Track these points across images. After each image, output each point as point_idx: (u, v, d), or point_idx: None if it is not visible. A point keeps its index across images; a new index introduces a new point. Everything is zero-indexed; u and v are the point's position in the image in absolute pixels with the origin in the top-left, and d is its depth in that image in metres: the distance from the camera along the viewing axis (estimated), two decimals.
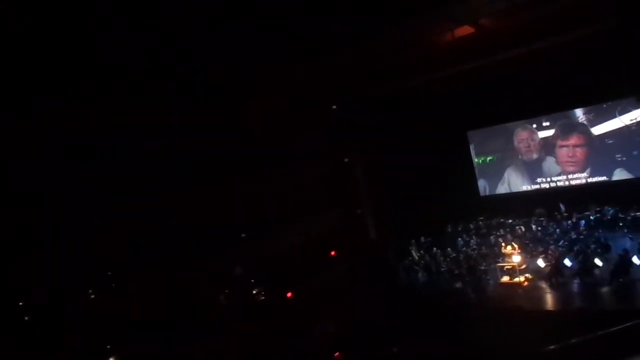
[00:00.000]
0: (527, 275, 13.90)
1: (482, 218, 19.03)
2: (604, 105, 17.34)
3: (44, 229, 12.08)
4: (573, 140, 18.22)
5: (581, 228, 15.73)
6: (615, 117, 17.12)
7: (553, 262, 13.64)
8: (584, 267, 13.05)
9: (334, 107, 17.86)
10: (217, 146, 14.84)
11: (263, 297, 15.73)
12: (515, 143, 19.78)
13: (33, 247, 11.92)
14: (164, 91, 12.34)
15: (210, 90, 13.28)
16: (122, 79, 11.26)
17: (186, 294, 14.15)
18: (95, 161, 12.43)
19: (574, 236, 15.17)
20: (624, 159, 17.15)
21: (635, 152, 16.89)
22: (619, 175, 17.32)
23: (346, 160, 19.28)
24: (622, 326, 4.99)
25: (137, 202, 13.46)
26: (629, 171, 17.11)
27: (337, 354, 12.59)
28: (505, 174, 20.20)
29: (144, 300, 13.47)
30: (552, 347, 5.34)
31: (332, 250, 18.14)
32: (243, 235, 16.37)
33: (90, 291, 13.50)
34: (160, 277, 13.86)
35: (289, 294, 15.81)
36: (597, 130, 17.61)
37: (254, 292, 15.85)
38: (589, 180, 17.97)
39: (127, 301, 13.41)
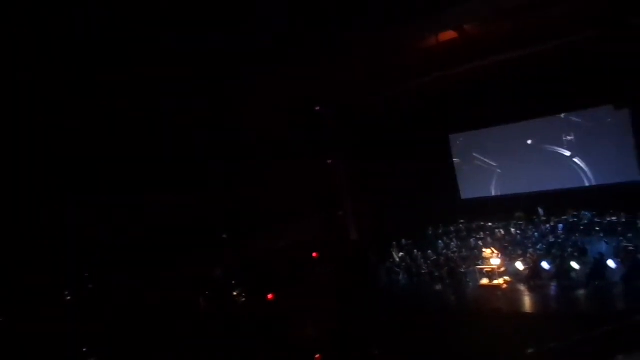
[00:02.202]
0: (506, 278, 14.06)
1: (462, 221, 19.20)
2: (583, 112, 17.65)
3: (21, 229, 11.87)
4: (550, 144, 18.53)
5: (559, 232, 15.97)
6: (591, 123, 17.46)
7: (531, 265, 13.83)
8: (561, 270, 13.26)
9: (317, 108, 17.85)
10: (199, 148, 14.74)
11: (244, 299, 15.65)
12: (497, 147, 19.99)
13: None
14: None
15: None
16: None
17: (166, 295, 14.00)
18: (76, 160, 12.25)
19: (552, 240, 15.38)
20: (601, 164, 17.49)
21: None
22: (594, 181, 17.64)
23: (329, 162, 19.28)
24: (599, 331, 5.09)
25: (116, 203, 13.27)
26: (605, 177, 17.43)
27: (317, 356, 12.58)
28: (487, 178, 20.40)
29: (123, 302, 13.28)
30: (530, 351, 5.41)
31: (313, 252, 18.13)
32: (224, 236, 16.27)
33: (66, 292, 13.27)
34: (139, 278, 13.69)
35: (270, 296, 15.75)
36: (573, 136, 17.94)
37: (235, 293, 15.76)
38: (567, 185, 18.24)
39: (105, 302, 13.21)
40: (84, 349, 12.35)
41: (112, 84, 11.20)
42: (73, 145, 12.11)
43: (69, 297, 13.30)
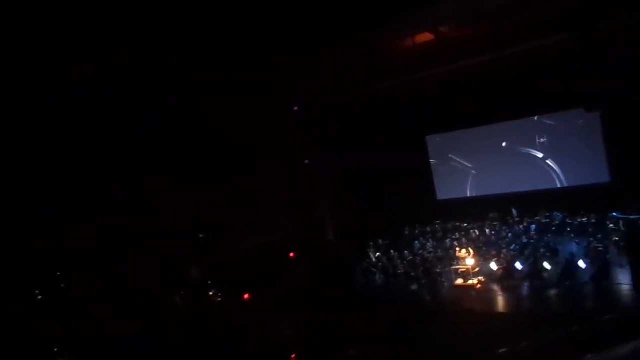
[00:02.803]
0: (480, 278, 14.28)
1: (438, 222, 19.40)
2: (555, 115, 18.00)
3: None
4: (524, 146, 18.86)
5: (532, 233, 16.27)
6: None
7: (505, 265, 14.07)
8: (534, 271, 13.54)
9: (296, 108, 17.82)
10: (175, 145, 14.56)
11: (220, 299, 15.53)
12: (473, 149, 20.24)
13: None
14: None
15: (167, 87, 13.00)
16: None
17: (141, 294, 13.81)
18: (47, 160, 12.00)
19: (525, 240, 15.68)
20: (572, 166, 17.88)
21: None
22: (566, 182, 18.02)
23: (306, 162, 19.25)
24: (569, 330, 5.20)
25: (92, 200, 13.02)
26: (576, 178, 17.81)
27: (293, 356, 12.56)
28: (462, 179, 20.65)
29: (96, 301, 13.04)
30: (502, 350, 5.50)
31: (291, 252, 18.09)
32: (201, 235, 16.11)
33: (37, 291, 12.97)
34: (114, 277, 13.46)
35: (246, 296, 15.67)
36: (546, 138, 18.30)
37: (211, 293, 15.63)
38: (540, 187, 18.59)
39: (78, 302, 12.96)
40: (55, 349, 12.11)
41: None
42: (54, 143, 11.86)
43: (40, 297, 13.01)
